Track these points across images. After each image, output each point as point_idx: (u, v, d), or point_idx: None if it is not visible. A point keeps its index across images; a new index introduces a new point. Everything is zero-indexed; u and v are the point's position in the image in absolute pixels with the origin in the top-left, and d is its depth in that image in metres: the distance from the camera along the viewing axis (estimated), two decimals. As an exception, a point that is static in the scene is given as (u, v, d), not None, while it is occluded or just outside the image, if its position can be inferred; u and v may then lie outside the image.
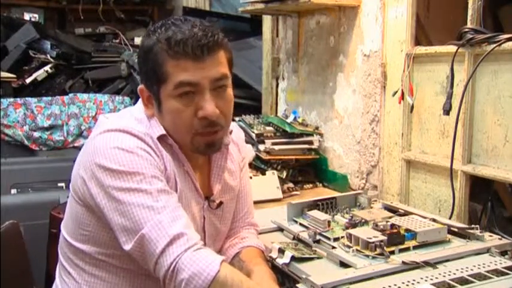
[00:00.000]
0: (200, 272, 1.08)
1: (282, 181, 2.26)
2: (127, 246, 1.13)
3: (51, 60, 3.51)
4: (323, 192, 2.28)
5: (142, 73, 1.26)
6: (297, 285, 1.24)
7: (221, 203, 1.35)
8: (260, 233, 1.54)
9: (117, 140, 1.18)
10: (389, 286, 1.19)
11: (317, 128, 2.45)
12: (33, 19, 3.82)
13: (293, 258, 1.35)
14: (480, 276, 1.22)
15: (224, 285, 1.08)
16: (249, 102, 3.16)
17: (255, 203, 1.59)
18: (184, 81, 1.18)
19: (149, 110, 1.26)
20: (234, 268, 1.18)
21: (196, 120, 1.21)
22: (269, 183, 2.19)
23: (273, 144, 2.29)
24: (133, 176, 1.14)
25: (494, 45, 1.58)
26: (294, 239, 1.52)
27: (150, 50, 1.20)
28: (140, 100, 1.32)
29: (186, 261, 1.09)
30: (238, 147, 1.46)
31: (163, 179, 1.20)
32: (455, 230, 1.48)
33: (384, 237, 1.34)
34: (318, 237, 1.45)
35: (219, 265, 1.09)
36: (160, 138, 1.24)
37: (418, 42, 1.98)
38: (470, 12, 1.67)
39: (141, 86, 1.27)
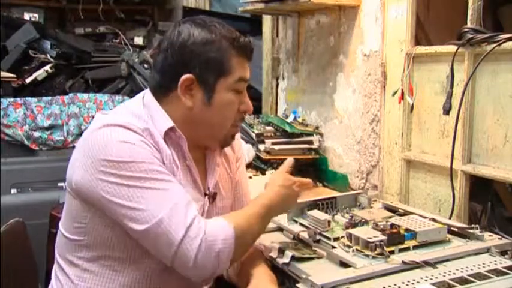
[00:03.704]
0: (226, 238, 1.16)
1: (282, 181, 2.25)
2: (141, 227, 1.14)
3: (51, 60, 3.50)
4: (323, 192, 2.27)
5: (199, 63, 1.25)
6: (297, 285, 1.24)
7: (215, 193, 1.37)
8: (260, 233, 1.54)
9: (117, 135, 1.18)
10: (389, 286, 1.18)
11: (317, 127, 2.45)
12: (33, 19, 3.81)
13: (293, 258, 1.35)
14: (480, 276, 1.22)
15: (244, 233, 1.20)
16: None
17: (256, 202, 1.59)
18: (244, 78, 1.30)
19: (189, 101, 1.27)
20: (234, 214, 1.27)
21: (238, 114, 1.32)
22: (269, 183, 2.18)
23: (273, 144, 2.29)
24: (141, 165, 1.16)
25: (494, 45, 1.58)
26: (294, 238, 1.52)
27: (212, 42, 1.25)
28: (137, 96, 1.33)
29: (208, 235, 1.15)
30: (232, 146, 1.46)
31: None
32: (455, 229, 1.48)
33: (384, 237, 1.34)
34: (318, 237, 1.45)
35: (231, 227, 1.18)
36: (166, 133, 1.25)
37: (418, 42, 1.98)
38: (470, 12, 1.67)
39: (188, 75, 1.25)
